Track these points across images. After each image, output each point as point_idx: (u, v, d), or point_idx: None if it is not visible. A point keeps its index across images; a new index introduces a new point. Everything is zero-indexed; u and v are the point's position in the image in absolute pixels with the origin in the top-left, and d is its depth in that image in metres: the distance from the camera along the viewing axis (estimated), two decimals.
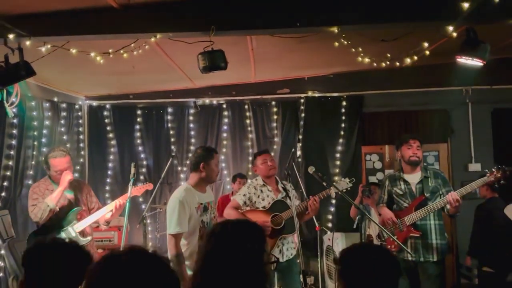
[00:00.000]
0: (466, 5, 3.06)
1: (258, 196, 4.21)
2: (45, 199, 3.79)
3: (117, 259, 1.30)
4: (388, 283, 1.79)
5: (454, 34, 3.34)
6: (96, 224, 4.26)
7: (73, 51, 3.72)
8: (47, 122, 5.72)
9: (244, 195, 4.23)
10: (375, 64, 4.58)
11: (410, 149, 4.08)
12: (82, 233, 3.97)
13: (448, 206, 3.86)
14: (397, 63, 4.44)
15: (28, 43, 3.39)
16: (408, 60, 4.16)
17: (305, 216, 4.24)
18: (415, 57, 4.08)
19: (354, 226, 4.83)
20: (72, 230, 3.90)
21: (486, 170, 3.99)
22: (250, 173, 6.57)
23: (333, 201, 6.39)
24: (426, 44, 3.84)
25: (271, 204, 4.16)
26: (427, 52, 4.04)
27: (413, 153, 4.06)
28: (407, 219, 4.01)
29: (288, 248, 4.20)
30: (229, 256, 1.71)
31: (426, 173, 4.10)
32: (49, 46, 3.48)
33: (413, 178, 4.13)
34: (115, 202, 3.98)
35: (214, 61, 3.56)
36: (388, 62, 4.53)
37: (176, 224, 3.42)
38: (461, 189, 3.85)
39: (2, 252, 4.56)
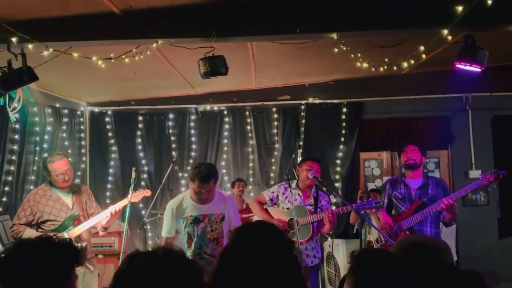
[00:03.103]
0: (460, 8, 3.10)
1: (286, 197, 4.34)
2: (26, 231, 3.82)
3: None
4: None
5: (450, 38, 3.37)
6: (95, 230, 4.27)
7: (75, 54, 3.76)
8: (49, 128, 5.74)
9: (273, 192, 4.43)
10: (373, 69, 4.61)
11: (405, 154, 4.24)
12: (78, 239, 3.97)
13: (443, 213, 3.95)
14: (395, 67, 4.48)
15: (30, 46, 3.43)
16: (405, 64, 4.20)
17: (322, 229, 4.31)
18: (412, 61, 4.12)
19: (354, 231, 4.86)
20: (67, 236, 3.90)
21: (481, 173, 4.04)
22: (251, 179, 6.59)
23: (333, 208, 6.38)
24: (422, 48, 3.87)
25: (293, 207, 4.20)
26: (424, 56, 4.08)
27: (407, 157, 4.21)
28: (404, 223, 4.06)
29: (308, 254, 4.23)
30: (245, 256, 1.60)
31: (428, 180, 4.18)
32: (51, 50, 3.52)
33: (414, 183, 4.21)
34: (110, 209, 4.00)
35: (215, 66, 3.60)
36: (386, 67, 4.57)
37: (163, 229, 3.72)
38: (456, 193, 3.92)
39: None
